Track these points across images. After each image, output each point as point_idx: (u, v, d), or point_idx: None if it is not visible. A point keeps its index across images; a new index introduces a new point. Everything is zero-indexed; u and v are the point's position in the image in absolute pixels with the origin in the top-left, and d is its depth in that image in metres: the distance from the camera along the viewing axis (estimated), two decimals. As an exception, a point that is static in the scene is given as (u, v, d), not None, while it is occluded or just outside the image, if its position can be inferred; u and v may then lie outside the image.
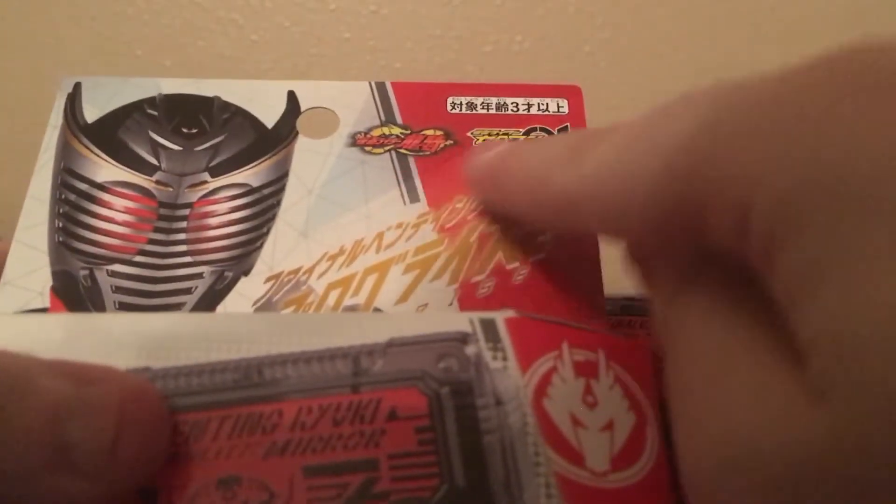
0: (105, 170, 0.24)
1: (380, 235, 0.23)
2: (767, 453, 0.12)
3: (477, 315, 0.17)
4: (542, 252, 0.23)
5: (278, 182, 0.24)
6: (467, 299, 0.22)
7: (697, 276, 0.16)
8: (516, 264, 0.23)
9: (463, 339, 0.16)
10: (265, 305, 0.22)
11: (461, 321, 0.17)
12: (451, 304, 0.22)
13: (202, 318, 0.17)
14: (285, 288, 0.22)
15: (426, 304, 0.22)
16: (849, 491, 0.11)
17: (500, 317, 0.17)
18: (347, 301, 0.22)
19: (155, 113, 0.25)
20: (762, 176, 0.13)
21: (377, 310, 0.22)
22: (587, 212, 0.17)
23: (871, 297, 0.11)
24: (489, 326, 0.17)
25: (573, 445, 0.16)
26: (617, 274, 0.18)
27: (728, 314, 0.14)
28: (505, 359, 0.16)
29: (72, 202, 0.23)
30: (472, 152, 0.23)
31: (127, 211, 0.23)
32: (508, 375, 0.16)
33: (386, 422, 0.15)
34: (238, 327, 0.16)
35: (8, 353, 0.15)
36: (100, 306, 0.22)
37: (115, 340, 0.16)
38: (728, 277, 0.15)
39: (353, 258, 0.23)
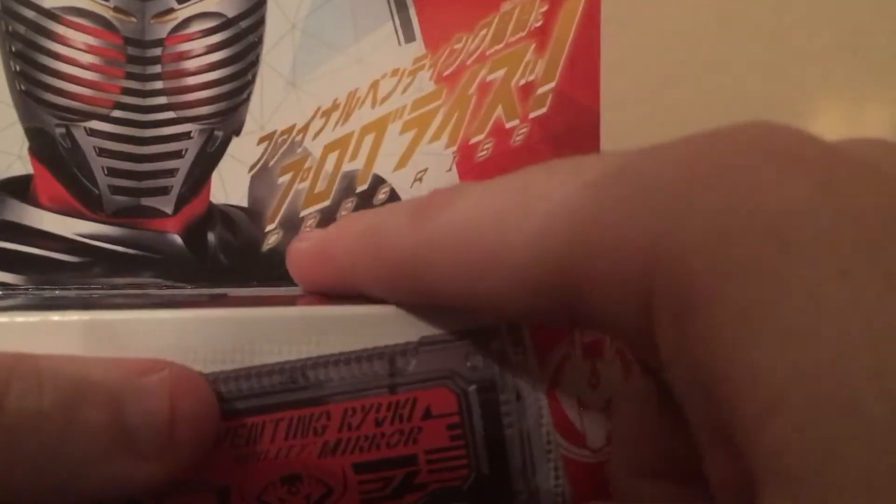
0: (51, -9, 0.21)
1: (374, 85, 0.22)
2: None
3: None
4: (542, 106, 0.22)
5: (256, 12, 0.21)
6: (465, 163, 0.22)
7: None
8: (516, 122, 0.22)
9: (488, 334, 0.17)
10: (262, 170, 0.22)
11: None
12: (449, 170, 0.22)
13: (241, 318, 0.17)
14: (281, 150, 0.22)
15: (426, 170, 0.22)
16: None
17: None
18: (346, 166, 0.22)
19: None
20: (671, 228, 0.12)
21: (376, 176, 0.22)
22: (438, 274, 0.16)
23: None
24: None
25: (577, 428, 0.18)
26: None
27: None
28: (524, 352, 0.18)
29: (22, 37, 0.21)
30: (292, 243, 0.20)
31: (90, 50, 0.21)
32: (527, 370, 0.18)
33: (422, 420, 0.17)
34: (277, 328, 0.17)
35: (66, 356, 0.16)
36: (87, 171, 0.21)
37: (162, 346, 0.17)
38: None
39: (347, 115, 0.22)
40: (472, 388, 0.18)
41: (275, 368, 0.17)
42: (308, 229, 0.22)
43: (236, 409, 0.17)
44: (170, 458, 0.16)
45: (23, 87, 0.21)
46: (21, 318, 0.17)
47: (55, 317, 0.17)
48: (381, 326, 0.17)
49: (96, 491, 0.16)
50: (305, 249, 0.19)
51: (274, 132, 0.22)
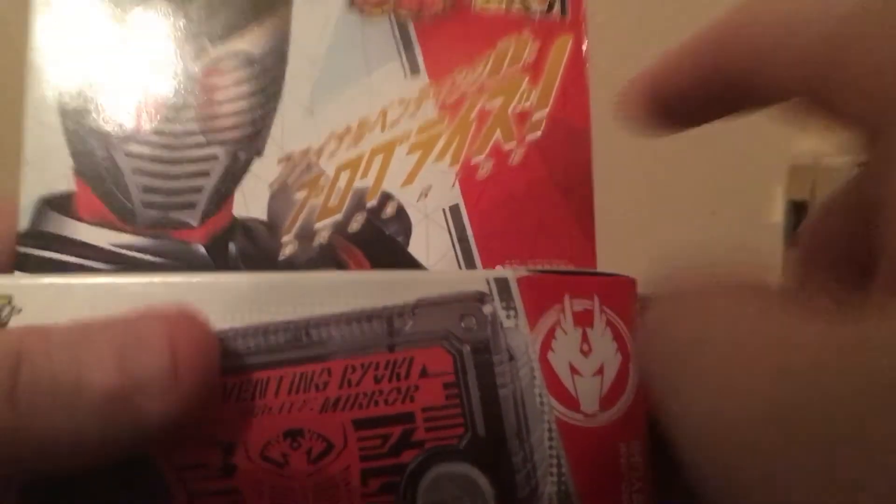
0: (102, 35, 0.24)
1: (383, 112, 0.24)
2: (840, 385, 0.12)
3: (492, 274, 0.19)
4: (537, 131, 0.24)
5: (279, 50, 0.24)
6: (467, 181, 0.24)
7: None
8: (513, 144, 0.24)
9: (480, 298, 0.19)
10: (281, 188, 0.24)
11: (478, 280, 0.19)
12: (453, 186, 0.24)
13: (251, 280, 0.19)
14: (298, 169, 0.24)
15: (430, 186, 0.24)
16: None
17: (513, 276, 0.19)
18: (357, 183, 0.24)
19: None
20: None
21: (385, 193, 0.24)
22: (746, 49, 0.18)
23: None
24: (503, 285, 0.19)
25: (571, 392, 0.19)
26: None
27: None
28: (516, 316, 0.19)
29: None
30: None
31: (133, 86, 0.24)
32: (519, 333, 0.19)
33: (418, 379, 0.18)
34: (284, 289, 0.18)
35: (62, 324, 0.18)
36: (123, 188, 0.23)
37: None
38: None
39: (359, 138, 0.24)
40: (467, 348, 0.19)
41: (280, 326, 0.18)
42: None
43: (242, 364, 0.18)
44: (176, 397, 0.17)
45: (72, 120, 0.24)
46: (54, 279, 0.18)
47: (75, 279, 0.19)
48: (380, 288, 0.19)
49: (113, 435, 0.17)
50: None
51: (292, 154, 0.24)
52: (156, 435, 0.17)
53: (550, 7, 0.25)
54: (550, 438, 0.19)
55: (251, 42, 0.24)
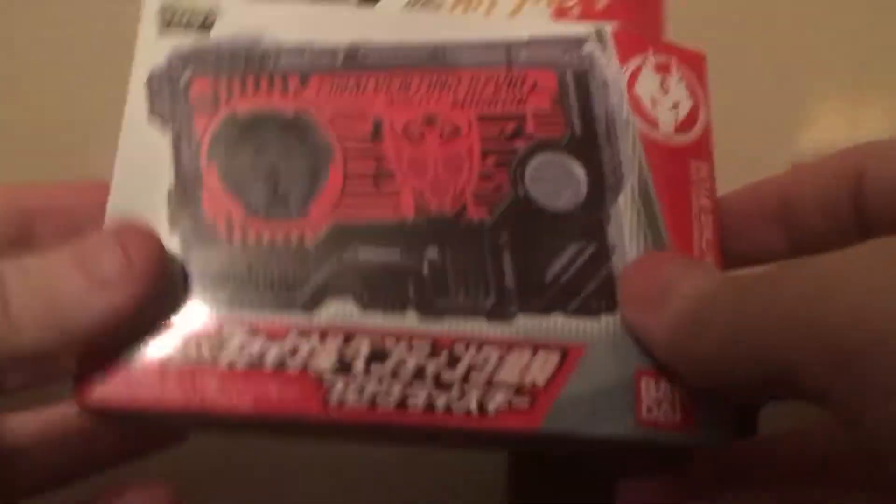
0: None
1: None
2: None
3: (593, 25, 0.24)
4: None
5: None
6: (560, 17, 0.29)
7: None
8: (599, -6, 0.29)
9: (581, 40, 0.24)
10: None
11: (581, 28, 0.24)
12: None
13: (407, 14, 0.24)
14: (420, 3, 0.29)
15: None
16: None
17: (609, 28, 0.24)
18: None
19: None
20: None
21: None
22: None
23: None
24: (600, 34, 0.24)
25: (651, 116, 0.24)
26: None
27: None
28: (610, 56, 0.24)
29: None
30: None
31: None
32: (611, 68, 0.24)
33: (530, 90, 0.23)
34: (428, 20, 0.23)
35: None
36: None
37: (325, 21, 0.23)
38: None
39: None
40: (570, 72, 0.23)
41: (421, 45, 0.23)
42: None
43: (389, 64, 0.23)
44: (132, 279, 0.21)
45: None
46: None
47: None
48: (501, 26, 0.24)
49: (88, 319, 0.20)
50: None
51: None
52: (125, 313, 0.20)
53: None
54: (634, 146, 0.23)
55: None
